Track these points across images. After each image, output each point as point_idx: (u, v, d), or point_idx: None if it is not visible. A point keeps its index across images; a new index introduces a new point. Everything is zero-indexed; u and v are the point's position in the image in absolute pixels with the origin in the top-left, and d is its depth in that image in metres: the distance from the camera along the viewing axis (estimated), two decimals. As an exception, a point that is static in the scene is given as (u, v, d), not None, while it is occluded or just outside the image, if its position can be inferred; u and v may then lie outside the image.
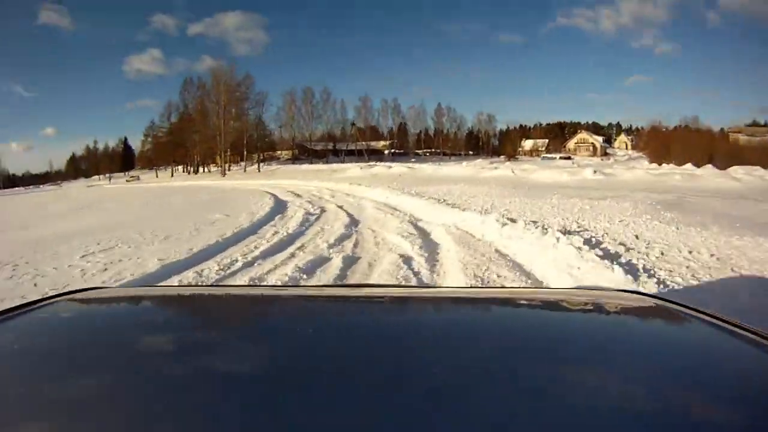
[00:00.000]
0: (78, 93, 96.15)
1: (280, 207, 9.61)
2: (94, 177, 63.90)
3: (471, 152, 60.60)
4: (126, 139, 72.61)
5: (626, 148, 62.67)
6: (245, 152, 47.36)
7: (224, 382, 0.51)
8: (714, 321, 0.72)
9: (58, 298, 0.85)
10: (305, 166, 39.20)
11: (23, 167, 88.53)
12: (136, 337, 0.68)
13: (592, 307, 0.88)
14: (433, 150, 59.76)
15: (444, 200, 8.48)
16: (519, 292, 1.43)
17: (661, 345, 0.69)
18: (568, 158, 46.47)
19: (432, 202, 8.24)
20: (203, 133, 45.35)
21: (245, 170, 43.67)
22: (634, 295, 0.92)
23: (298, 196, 13.00)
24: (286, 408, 0.46)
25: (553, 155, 53.73)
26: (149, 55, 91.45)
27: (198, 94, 48.57)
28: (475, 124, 65.89)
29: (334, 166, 35.18)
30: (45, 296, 0.88)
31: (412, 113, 60.31)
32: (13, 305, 0.78)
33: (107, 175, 61.53)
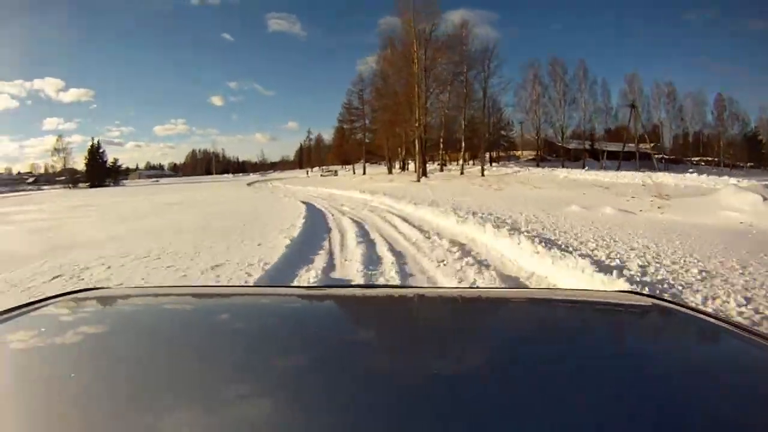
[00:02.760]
0: (314, 92, 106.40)
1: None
2: (311, 168, 62.67)
3: (750, 163, 37.12)
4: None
5: None
6: (463, 147, 29.22)
7: (224, 382, 0.52)
8: (713, 321, 0.73)
9: (58, 298, 0.85)
10: (564, 173, 20.66)
11: (268, 156, 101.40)
12: (136, 337, 0.68)
13: (592, 307, 0.89)
14: (708, 158, 37.14)
15: None
16: (519, 293, 1.51)
17: (661, 345, 0.70)
18: None
19: None
20: (393, 112, 28.40)
21: (462, 171, 27.62)
22: (634, 295, 0.92)
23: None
24: (287, 408, 0.47)
25: None
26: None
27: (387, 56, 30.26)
28: (759, 124, 39.31)
29: (623, 175, 17.68)
30: (45, 296, 0.87)
31: (689, 103, 36.57)
32: (13, 305, 0.77)
33: (321, 167, 58.55)
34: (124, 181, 54.28)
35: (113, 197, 22.39)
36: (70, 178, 49.45)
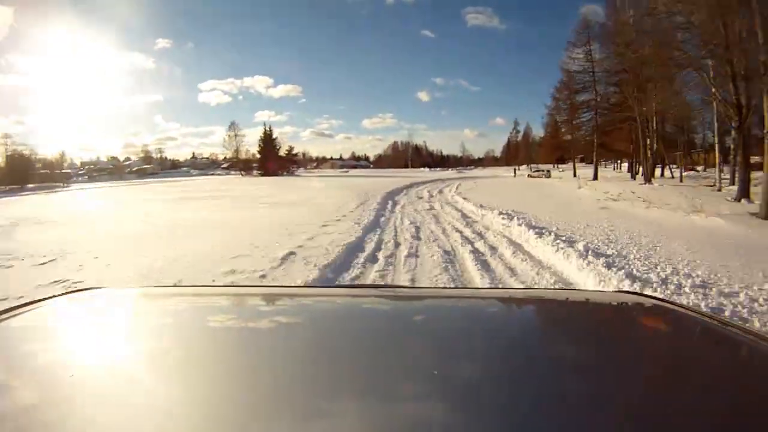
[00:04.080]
0: (518, 86, 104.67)
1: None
2: (518, 166, 53.04)
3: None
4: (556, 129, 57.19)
5: None
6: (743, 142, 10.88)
7: (224, 382, 0.52)
8: (713, 321, 0.74)
9: (58, 298, 0.85)
10: None
11: (472, 150, 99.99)
12: (136, 337, 0.69)
13: (592, 307, 0.89)
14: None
15: None
16: (519, 293, 1.52)
17: (661, 345, 0.70)
18: None
19: None
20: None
21: (719, 182, 14.02)
22: (634, 296, 0.92)
23: None
24: (286, 408, 0.47)
25: None
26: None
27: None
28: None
29: None
30: (45, 296, 0.88)
31: None
32: (13, 305, 0.77)
33: (529, 165, 47.47)
34: (302, 171, 54.73)
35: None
36: (244, 166, 51.31)
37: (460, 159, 77.87)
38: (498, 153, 76.99)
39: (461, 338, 0.68)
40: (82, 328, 0.76)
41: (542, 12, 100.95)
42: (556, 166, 45.61)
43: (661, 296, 1.09)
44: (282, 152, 52.78)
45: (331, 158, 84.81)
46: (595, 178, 23.71)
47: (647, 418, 0.44)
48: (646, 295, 0.89)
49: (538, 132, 59.24)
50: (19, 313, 0.73)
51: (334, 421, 0.44)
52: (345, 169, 67.00)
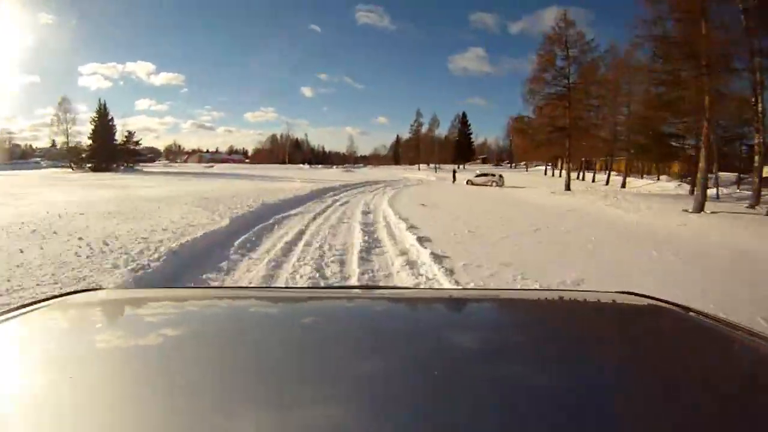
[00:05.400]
0: (404, 87, 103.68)
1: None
2: (417, 165, 52.83)
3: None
4: (465, 130, 60.71)
5: None
6: None
7: (223, 383, 0.52)
8: (712, 321, 0.73)
9: (58, 299, 0.84)
10: None
11: (360, 149, 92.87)
12: (135, 338, 0.69)
13: (592, 307, 0.90)
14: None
15: None
16: (519, 293, 1.51)
17: (658, 344, 0.70)
18: None
19: None
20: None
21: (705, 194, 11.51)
22: (632, 296, 0.92)
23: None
24: (285, 408, 0.47)
25: None
26: (473, 53, 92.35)
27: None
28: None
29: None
30: (44, 296, 0.87)
31: None
32: (13, 305, 0.77)
33: (432, 165, 44.93)
34: (148, 166, 43.49)
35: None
36: (75, 158, 37.84)
37: (345, 156, 71.19)
38: (385, 151, 74.54)
39: (461, 339, 0.68)
40: (81, 328, 0.76)
41: (432, 14, 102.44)
42: (461, 166, 44.63)
43: (658, 297, 0.79)
44: (134, 142, 40.81)
45: (199, 151, 75.94)
46: (566, 189, 19.66)
47: (647, 418, 0.44)
48: (645, 296, 0.88)
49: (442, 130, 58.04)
50: (18, 314, 0.72)
51: (334, 421, 0.44)
52: (211, 164, 57.31)
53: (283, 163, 64.46)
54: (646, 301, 0.87)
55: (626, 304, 0.90)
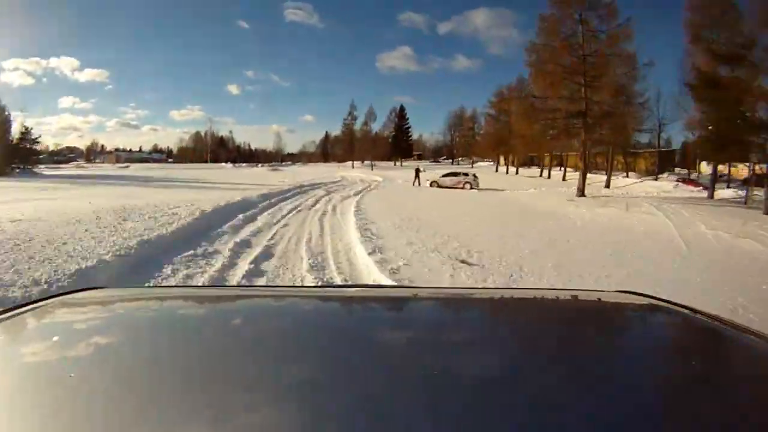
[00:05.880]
0: (331, 86, 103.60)
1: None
2: (350, 162, 50.71)
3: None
4: (403, 125, 60.25)
5: None
6: None
7: (223, 382, 0.52)
8: (713, 321, 0.73)
9: (58, 298, 0.84)
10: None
11: (287, 147, 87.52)
12: (135, 337, 0.69)
13: (592, 307, 0.90)
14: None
15: None
16: (519, 293, 1.48)
17: (661, 344, 0.70)
18: None
19: None
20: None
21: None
22: (632, 295, 0.92)
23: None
24: (286, 408, 0.46)
25: None
26: (400, 52, 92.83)
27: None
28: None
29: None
30: (44, 296, 0.87)
31: None
32: (13, 305, 0.77)
33: (367, 162, 47.98)
34: (60, 167, 39.49)
35: None
36: None
37: (273, 154, 69.16)
38: (314, 149, 72.94)
39: (460, 338, 0.68)
40: (81, 328, 0.76)
41: (361, 13, 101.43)
42: (396, 163, 44.95)
43: (658, 296, 1.00)
44: (32, 140, 33.30)
45: (117, 150, 70.94)
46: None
47: (647, 417, 0.44)
48: (646, 295, 0.89)
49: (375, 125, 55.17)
50: (19, 314, 0.72)
51: (335, 420, 0.44)
52: (126, 165, 54.42)
53: (206, 161, 62.67)
54: (646, 301, 0.87)
55: (626, 304, 0.90)
